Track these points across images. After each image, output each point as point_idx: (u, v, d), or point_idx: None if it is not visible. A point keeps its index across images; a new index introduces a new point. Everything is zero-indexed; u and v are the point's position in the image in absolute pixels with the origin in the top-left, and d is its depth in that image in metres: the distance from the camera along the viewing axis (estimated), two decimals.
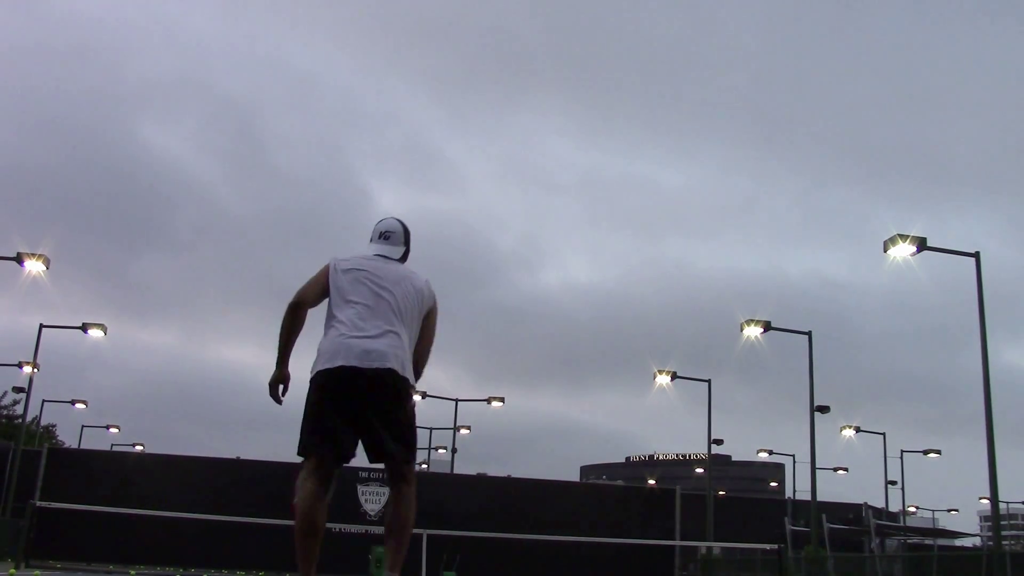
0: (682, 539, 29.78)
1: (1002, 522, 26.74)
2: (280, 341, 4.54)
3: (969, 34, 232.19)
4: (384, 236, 4.78)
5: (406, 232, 4.84)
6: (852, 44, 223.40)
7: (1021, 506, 65.02)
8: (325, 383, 4.32)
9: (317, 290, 4.58)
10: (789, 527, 33.05)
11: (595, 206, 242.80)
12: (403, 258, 4.80)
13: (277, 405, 4.59)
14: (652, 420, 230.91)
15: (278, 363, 4.56)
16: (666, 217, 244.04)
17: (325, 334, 4.49)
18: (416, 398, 4.66)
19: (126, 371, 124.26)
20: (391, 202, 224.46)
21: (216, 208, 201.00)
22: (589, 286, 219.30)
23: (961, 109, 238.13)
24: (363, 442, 4.40)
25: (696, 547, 31.85)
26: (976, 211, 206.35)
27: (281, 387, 4.58)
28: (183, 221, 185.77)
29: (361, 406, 4.31)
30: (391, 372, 4.32)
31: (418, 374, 4.60)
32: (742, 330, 27.63)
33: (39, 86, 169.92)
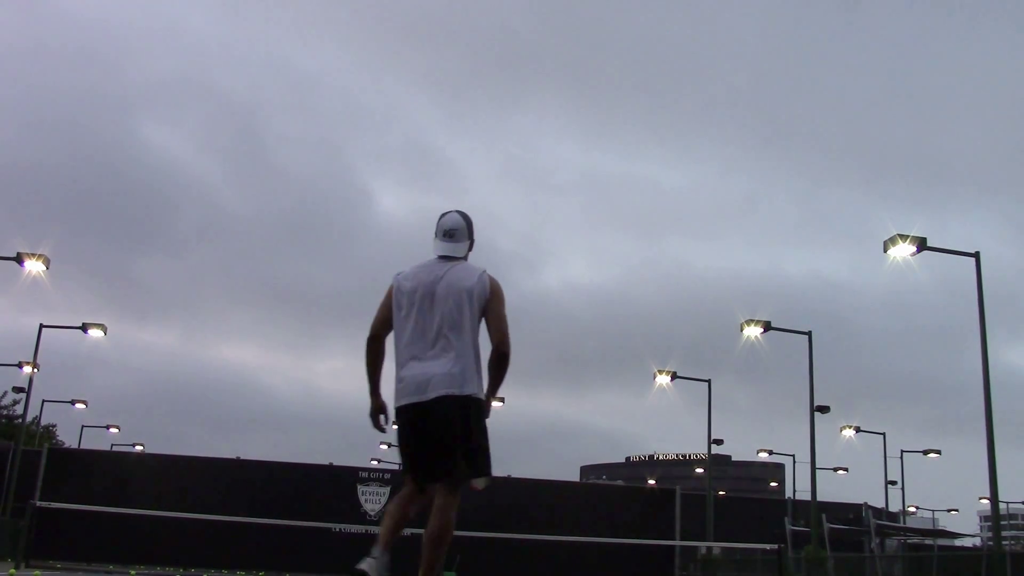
0: (682, 539, 29.78)
1: (1002, 522, 26.74)
2: (367, 374, 4.66)
3: (968, 35, 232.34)
4: (448, 234, 4.66)
5: (469, 225, 4.73)
6: (852, 45, 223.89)
7: (1021, 506, 65.00)
8: (397, 419, 4.49)
9: (386, 316, 4.59)
10: (789, 527, 33.04)
11: (595, 206, 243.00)
12: (468, 250, 4.73)
13: (379, 432, 4.72)
14: (652, 420, 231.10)
15: (371, 394, 4.69)
16: (666, 217, 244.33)
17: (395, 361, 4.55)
18: (495, 404, 4.57)
19: (126, 371, 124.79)
20: (392, 202, 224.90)
21: (217, 208, 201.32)
22: (589, 286, 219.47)
23: (961, 110, 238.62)
24: (433, 463, 4.46)
25: (696, 547, 31.85)
26: (976, 211, 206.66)
27: (381, 416, 4.67)
28: (183, 221, 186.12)
29: (425, 436, 4.40)
30: (442, 401, 4.33)
31: (501, 366, 4.50)
32: (742, 330, 27.62)
33: (40, 86, 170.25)
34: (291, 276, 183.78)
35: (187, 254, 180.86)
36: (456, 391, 4.33)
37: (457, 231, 4.66)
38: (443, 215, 4.74)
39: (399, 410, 4.44)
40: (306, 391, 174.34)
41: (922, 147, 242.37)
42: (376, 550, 4.46)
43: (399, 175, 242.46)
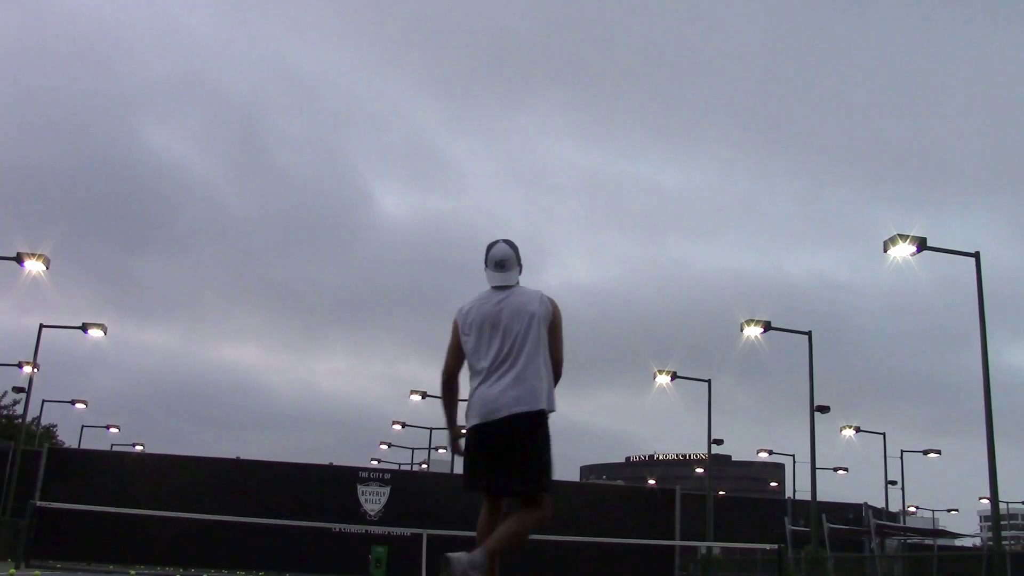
0: (682, 539, 29.77)
1: (1002, 522, 26.75)
2: (445, 409, 5.06)
3: (969, 35, 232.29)
4: (499, 265, 4.90)
5: (517, 253, 4.97)
6: (853, 46, 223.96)
7: (1021, 506, 65.06)
8: (468, 440, 4.76)
9: (456, 354, 4.89)
10: (789, 527, 33.04)
11: (596, 207, 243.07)
12: (519, 275, 4.99)
13: (456, 454, 5.02)
14: (652, 420, 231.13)
15: (448, 425, 5.08)
16: (666, 217, 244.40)
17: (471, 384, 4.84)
18: (552, 415, 4.86)
19: (126, 371, 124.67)
20: (392, 202, 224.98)
21: (218, 208, 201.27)
22: (589, 286, 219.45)
23: (962, 109, 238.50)
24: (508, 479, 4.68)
25: (696, 547, 31.85)
26: (976, 211, 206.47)
27: (460, 441, 4.98)
28: (184, 221, 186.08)
29: (496, 454, 4.64)
30: (512, 419, 4.58)
31: (556, 380, 4.85)
32: (742, 330, 27.63)
33: (40, 86, 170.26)
34: (292, 276, 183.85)
35: (188, 254, 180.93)
36: (526, 408, 4.59)
37: (507, 261, 4.91)
38: (491, 246, 4.97)
39: (470, 430, 4.72)
40: (306, 391, 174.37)
41: (923, 147, 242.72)
42: (479, 551, 4.65)
43: (400, 175, 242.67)
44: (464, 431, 4.82)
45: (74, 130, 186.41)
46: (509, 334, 4.69)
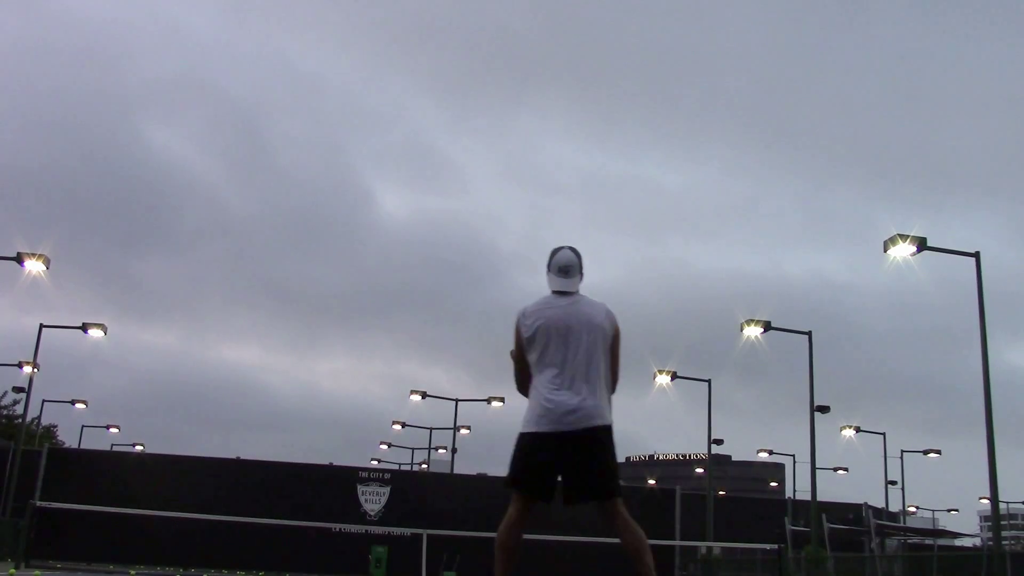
0: (682, 539, 29.78)
1: (1002, 522, 26.75)
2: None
3: (970, 37, 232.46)
4: (563, 271, 4.90)
5: (581, 261, 4.98)
6: (854, 47, 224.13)
7: (1021, 506, 65.07)
8: (532, 443, 4.69)
9: (523, 360, 4.85)
10: (789, 527, 33.04)
11: (596, 207, 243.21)
12: (580, 282, 5.00)
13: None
14: (652, 420, 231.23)
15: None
16: (667, 217, 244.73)
17: (530, 393, 4.79)
18: (614, 429, 4.96)
19: (127, 371, 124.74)
20: (393, 202, 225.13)
21: (219, 208, 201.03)
22: (590, 286, 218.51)
23: (963, 111, 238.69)
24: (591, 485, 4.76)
25: (696, 547, 31.84)
26: (978, 212, 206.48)
27: None
28: (185, 221, 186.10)
29: (563, 464, 4.67)
30: (592, 431, 4.62)
31: (611, 392, 4.88)
32: (742, 330, 27.62)
33: (41, 86, 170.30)
34: (292, 276, 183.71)
35: (189, 254, 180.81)
36: (601, 421, 4.65)
37: (571, 267, 4.91)
38: (556, 251, 4.98)
39: (539, 436, 4.65)
40: (307, 391, 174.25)
41: (924, 148, 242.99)
42: None
43: (401, 176, 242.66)
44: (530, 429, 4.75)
45: (75, 130, 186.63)
46: (582, 343, 4.71)
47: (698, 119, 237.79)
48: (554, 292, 4.90)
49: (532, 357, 4.77)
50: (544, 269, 5.00)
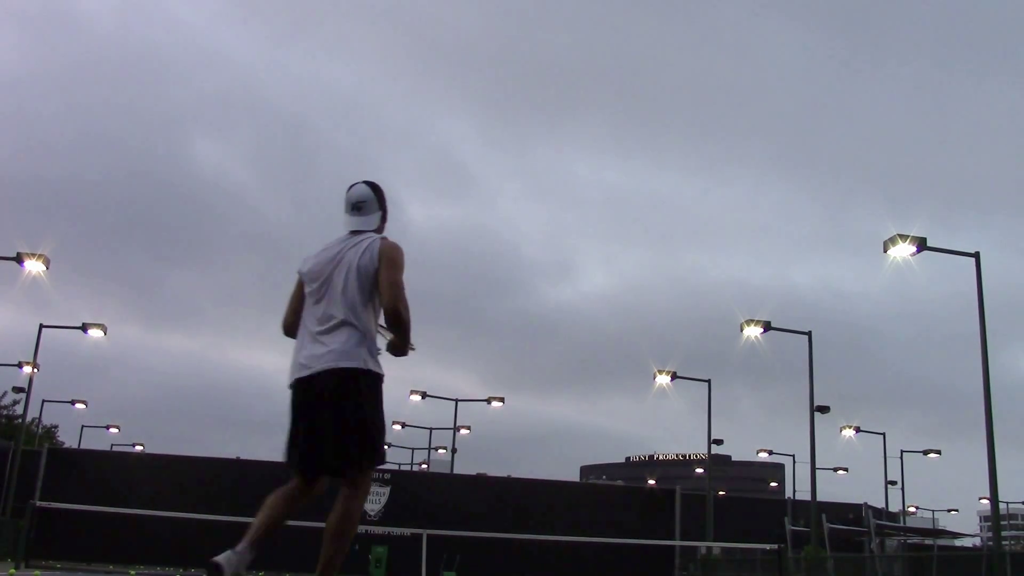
0: (682, 539, 29.78)
1: (1002, 522, 26.75)
2: None
3: (984, 72, 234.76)
4: (356, 207, 4.46)
5: (379, 195, 4.52)
6: (876, 77, 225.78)
7: (1021, 506, 65.07)
8: (291, 400, 4.30)
9: (294, 304, 4.44)
10: (789, 527, 33.05)
11: (615, 220, 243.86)
12: (381, 222, 4.54)
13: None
14: (652, 420, 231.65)
15: None
16: (682, 230, 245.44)
17: None
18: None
19: (147, 374, 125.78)
20: (420, 214, 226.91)
21: (257, 219, 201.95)
22: (601, 291, 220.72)
23: (983, 137, 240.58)
24: (302, 453, 4.30)
25: (696, 547, 31.84)
26: (992, 228, 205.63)
27: None
28: (225, 232, 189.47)
29: (311, 417, 4.20)
30: (328, 373, 4.13)
31: (396, 328, 4.23)
32: (742, 330, 27.60)
33: (95, 103, 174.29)
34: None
35: (225, 263, 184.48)
36: (335, 364, 4.13)
37: (366, 203, 4.48)
38: (350, 187, 4.52)
39: (291, 389, 4.28)
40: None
41: (938, 170, 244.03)
42: (242, 544, 4.28)
43: (429, 188, 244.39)
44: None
45: (120, 144, 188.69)
46: (336, 287, 4.25)
47: (724, 140, 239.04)
48: (350, 232, 4.42)
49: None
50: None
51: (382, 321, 4.34)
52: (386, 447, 4.34)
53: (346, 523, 4.34)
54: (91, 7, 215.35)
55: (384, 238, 4.40)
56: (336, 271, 4.28)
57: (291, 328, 4.42)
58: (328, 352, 4.14)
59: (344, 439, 4.15)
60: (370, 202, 4.48)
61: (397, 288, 4.20)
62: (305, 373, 4.16)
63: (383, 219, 4.55)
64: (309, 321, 4.30)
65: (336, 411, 4.11)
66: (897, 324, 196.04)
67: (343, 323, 4.19)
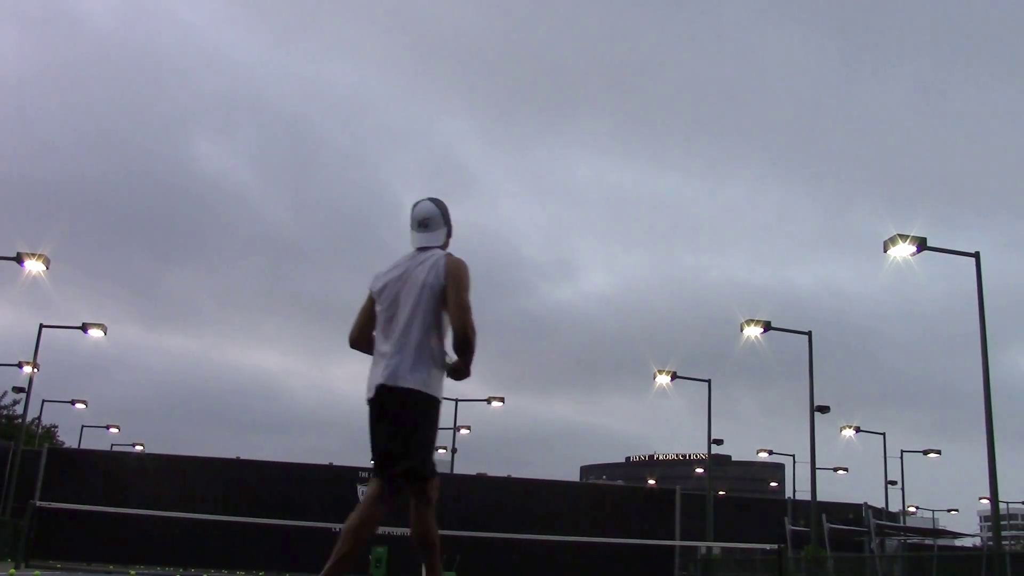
0: (682, 539, 29.77)
1: (1002, 522, 26.76)
2: None
3: (982, 71, 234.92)
4: (423, 224, 4.55)
5: (444, 212, 4.61)
6: (879, 73, 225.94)
7: (1021, 506, 65.07)
8: (369, 413, 4.44)
9: (361, 320, 4.57)
10: (789, 527, 33.04)
11: (616, 220, 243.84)
12: (447, 238, 4.63)
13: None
14: (652, 420, 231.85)
15: None
16: (683, 230, 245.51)
17: None
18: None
19: (146, 374, 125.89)
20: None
21: (257, 220, 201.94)
22: (601, 291, 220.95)
23: (983, 137, 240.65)
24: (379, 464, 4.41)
25: (696, 547, 31.84)
26: (993, 229, 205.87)
27: None
28: (225, 232, 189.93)
29: (379, 433, 4.36)
30: (389, 391, 4.28)
31: (462, 352, 4.34)
32: (742, 330, 27.59)
33: (96, 103, 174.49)
34: (320, 285, 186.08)
35: (225, 263, 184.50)
36: (402, 383, 4.25)
37: (432, 220, 4.56)
38: (415, 204, 4.61)
39: (368, 404, 4.42)
40: (322, 395, 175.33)
41: (939, 170, 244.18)
42: None
43: (430, 189, 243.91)
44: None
45: (121, 144, 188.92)
46: (406, 306, 4.34)
47: (725, 141, 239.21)
48: (417, 249, 4.52)
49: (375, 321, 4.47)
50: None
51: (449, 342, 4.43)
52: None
53: (420, 531, 4.44)
54: (92, 7, 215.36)
55: (449, 254, 4.48)
56: (404, 290, 4.39)
57: (356, 343, 4.57)
58: (392, 372, 4.28)
59: (400, 455, 4.27)
60: (436, 219, 4.57)
61: (465, 310, 4.30)
62: (373, 393, 4.33)
63: (448, 235, 4.64)
64: (379, 340, 4.43)
65: (395, 429, 4.27)
66: (897, 324, 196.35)
67: (409, 343, 4.31)
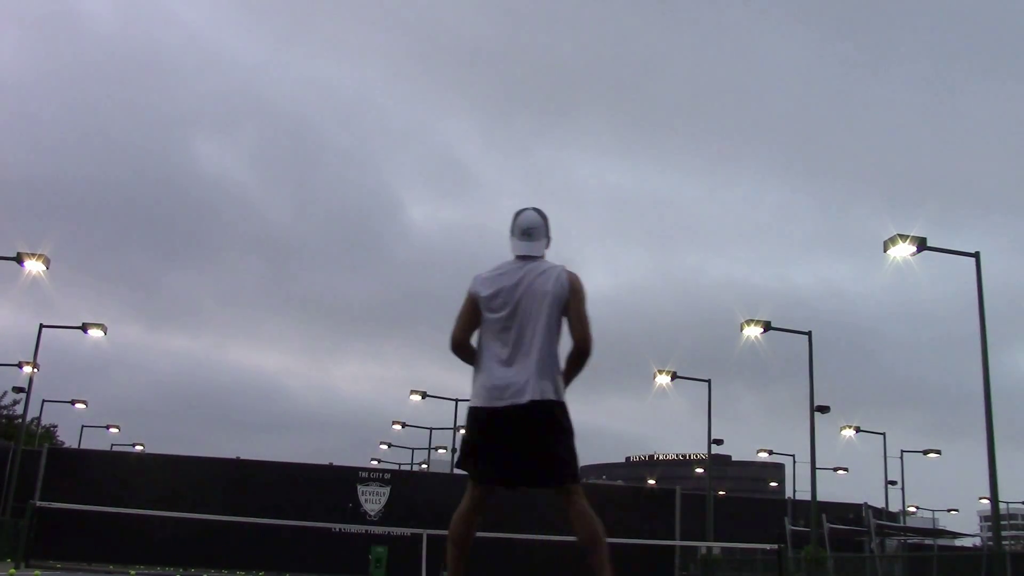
0: (682, 539, 29.78)
1: (1002, 522, 26.76)
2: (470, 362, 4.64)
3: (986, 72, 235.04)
4: (526, 233, 4.58)
5: (547, 223, 4.66)
6: (879, 73, 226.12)
7: (1021, 506, 65.07)
8: (476, 420, 4.43)
9: (465, 323, 4.53)
10: (789, 527, 33.04)
11: (616, 220, 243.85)
12: (546, 248, 4.68)
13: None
14: (652, 420, 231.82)
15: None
16: (682, 230, 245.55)
17: (477, 364, 4.50)
18: (567, 408, 4.53)
19: (147, 374, 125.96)
20: (422, 215, 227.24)
21: (259, 220, 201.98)
22: (601, 292, 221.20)
23: (983, 137, 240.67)
24: (512, 473, 4.47)
25: (696, 547, 31.84)
26: (992, 230, 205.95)
27: None
28: (226, 232, 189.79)
29: (506, 444, 4.36)
30: (534, 406, 4.30)
31: (580, 362, 4.49)
32: (742, 330, 27.59)
33: (97, 104, 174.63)
34: (321, 285, 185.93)
35: (225, 264, 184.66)
36: (544, 396, 4.32)
37: (535, 229, 4.59)
38: (519, 213, 4.66)
39: (483, 411, 4.39)
40: (324, 395, 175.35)
41: (945, 168, 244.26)
42: None
43: (430, 189, 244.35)
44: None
45: (121, 144, 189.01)
46: (530, 314, 4.39)
47: (725, 141, 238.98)
48: (517, 257, 4.56)
49: (482, 326, 4.47)
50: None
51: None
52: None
53: (592, 525, 4.60)
54: (93, 8, 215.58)
55: (566, 268, 4.54)
56: (526, 298, 4.42)
57: (461, 346, 4.53)
58: (525, 383, 4.30)
59: (550, 464, 4.40)
60: (539, 229, 4.61)
61: (587, 323, 4.45)
62: (501, 403, 4.31)
63: (547, 245, 4.68)
64: (496, 346, 4.41)
65: (541, 440, 4.34)
66: (897, 324, 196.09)
67: (539, 352, 4.35)
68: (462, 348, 4.54)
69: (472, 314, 4.51)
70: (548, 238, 4.67)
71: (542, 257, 4.61)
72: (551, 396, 4.34)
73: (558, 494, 4.50)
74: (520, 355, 4.36)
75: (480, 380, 4.42)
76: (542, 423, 4.31)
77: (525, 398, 4.28)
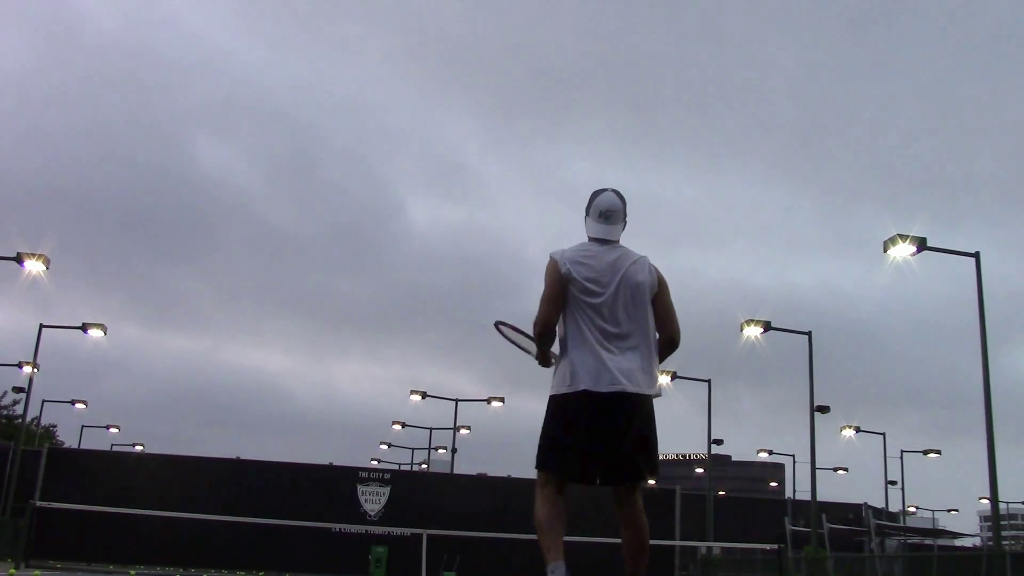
0: (682, 539, 29.77)
1: (1002, 522, 26.76)
2: (545, 349, 4.42)
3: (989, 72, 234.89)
4: (605, 216, 4.36)
5: (625, 207, 4.45)
6: (880, 74, 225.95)
7: (1021, 506, 65.08)
8: (569, 408, 4.19)
9: (557, 305, 4.27)
10: (789, 527, 33.03)
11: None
12: (622, 232, 4.52)
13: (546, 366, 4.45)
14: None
15: (546, 354, 4.42)
16: (681, 229, 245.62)
17: (562, 348, 4.29)
18: (656, 403, 4.40)
19: (148, 375, 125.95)
20: (423, 216, 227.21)
21: (259, 222, 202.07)
22: None
23: (983, 137, 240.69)
24: (600, 463, 4.23)
25: (696, 547, 31.85)
26: (995, 230, 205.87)
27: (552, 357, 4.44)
28: (227, 234, 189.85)
29: (600, 430, 4.15)
30: (633, 397, 4.15)
31: (670, 351, 4.41)
32: (742, 330, 27.59)
33: (100, 108, 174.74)
34: (322, 287, 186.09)
35: (226, 265, 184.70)
36: (644, 390, 4.20)
37: (614, 213, 4.39)
38: (598, 194, 4.44)
39: (574, 396, 4.16)
40: (324, 396, 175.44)
41: (945, 168, 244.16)
42: (556, 565, 4.20)
43: (432, 190, 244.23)
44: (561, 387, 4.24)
45: (122, 144, 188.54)
46: (629, 301, 4.24)
47: (725, 141, 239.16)
48: (591, 239, 4.38)
49: (569, 303, 4.24)
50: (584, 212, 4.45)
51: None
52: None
53: (647, 531, 4.38)
54: (94, 9, 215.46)
55: (648, 260, 4.45)
56: (624, 285, 4.27)
57: (549, 328, 4.28)
58: (630, 372, 4.16)
59: (645, 458, 4.24)
60: (618, 212, 4.42)
61: (675, 314, 4.43)
62: (609, 389, 4.11)
63: (623, 229, 4.51)
64: (593, 330, 4.20)
65: (640, 432, 4.19)
66: (897, 324, 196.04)
67: (640, 343, 4.25)
68: (548, 330, 4.28)
69: (562, 295, 4.25)
70: (624, 222, 4.48)
71: (618, 242, 4.43)
72: (651, 390, 4.23)
73: (623, 492, 4.30)
74: (623, 344, 4.21)
75: (578, 363, 4.17)
76: (641, 415, 4.17)
77: (631, 388, 4.12)
